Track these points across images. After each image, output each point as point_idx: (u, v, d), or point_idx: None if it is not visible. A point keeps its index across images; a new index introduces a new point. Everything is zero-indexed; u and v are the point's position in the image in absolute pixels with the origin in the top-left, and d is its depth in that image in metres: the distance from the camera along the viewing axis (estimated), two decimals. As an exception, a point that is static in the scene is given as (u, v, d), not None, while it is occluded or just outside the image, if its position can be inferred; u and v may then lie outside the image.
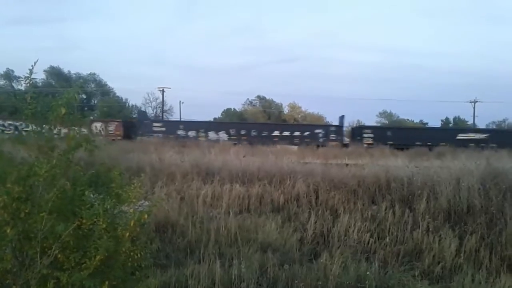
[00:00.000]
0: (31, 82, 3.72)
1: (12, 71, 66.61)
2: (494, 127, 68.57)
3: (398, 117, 73.79)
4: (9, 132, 29.83)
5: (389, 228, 9.25)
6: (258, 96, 74.07)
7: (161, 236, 8.46)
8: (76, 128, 3.90)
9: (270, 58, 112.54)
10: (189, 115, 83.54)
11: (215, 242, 8.20)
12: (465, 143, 35.93)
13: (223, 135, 40.97)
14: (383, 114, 76.00)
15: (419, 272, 7.43)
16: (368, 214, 9.95)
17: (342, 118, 44.26)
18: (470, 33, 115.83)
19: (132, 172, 9.95)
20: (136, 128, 42.28)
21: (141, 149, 20.72)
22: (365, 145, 36.79)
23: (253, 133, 41.50)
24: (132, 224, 3.55)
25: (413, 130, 49.59)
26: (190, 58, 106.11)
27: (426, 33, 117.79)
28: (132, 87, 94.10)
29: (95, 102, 69.45)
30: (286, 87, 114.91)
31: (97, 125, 42.34)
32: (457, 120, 72.73)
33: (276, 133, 41.45)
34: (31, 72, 3.69)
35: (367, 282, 6.52)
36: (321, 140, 40.08)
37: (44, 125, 3.70)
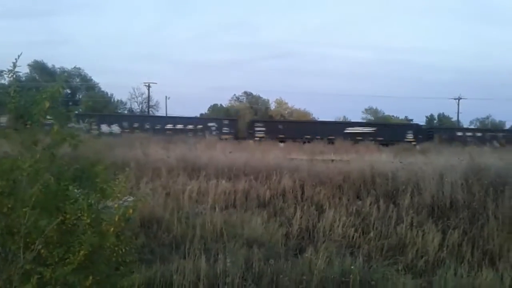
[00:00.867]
0: (14, 76, 3.67)
1: (-4, 65, 65.38)
2: (478, 124, 69.58)
3: (383, 113, 74.20)
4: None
5: (374, 223, 9.37)
6: (245, 92, 73.83)
7: (146, 231, 8.44)
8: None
9: (259, 54, 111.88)
10: (175, 111, 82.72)
11: (200, 237, 8.22)
12: (352, 137, 37.08)
13: (115, 128, 40.87)
14: (369, 110, 76.24)
15: (403, 266, 7.56)
16: (353, 209, 10.06)
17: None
18: (459, 31, 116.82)
19: (117, 167, 9.87)
20: None
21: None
22: (257, 139, 37.22)
23: (147, 126, 41.49)
24: (117, 219, 3.53)
25: (303, 123, 49.62)
26: (179, 53, 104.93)
27: (415, 30, 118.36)
28: (118, 82, 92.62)
29: (80, 96, 68.48)
30: (273, 83, 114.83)
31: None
32: (441, 116, 73.34)
33: (169, 126, 41.74)
34: (14, 65, 3.64)
35: (351, 276, 6.58)
36: (213, 133, 40.35)
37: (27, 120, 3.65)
